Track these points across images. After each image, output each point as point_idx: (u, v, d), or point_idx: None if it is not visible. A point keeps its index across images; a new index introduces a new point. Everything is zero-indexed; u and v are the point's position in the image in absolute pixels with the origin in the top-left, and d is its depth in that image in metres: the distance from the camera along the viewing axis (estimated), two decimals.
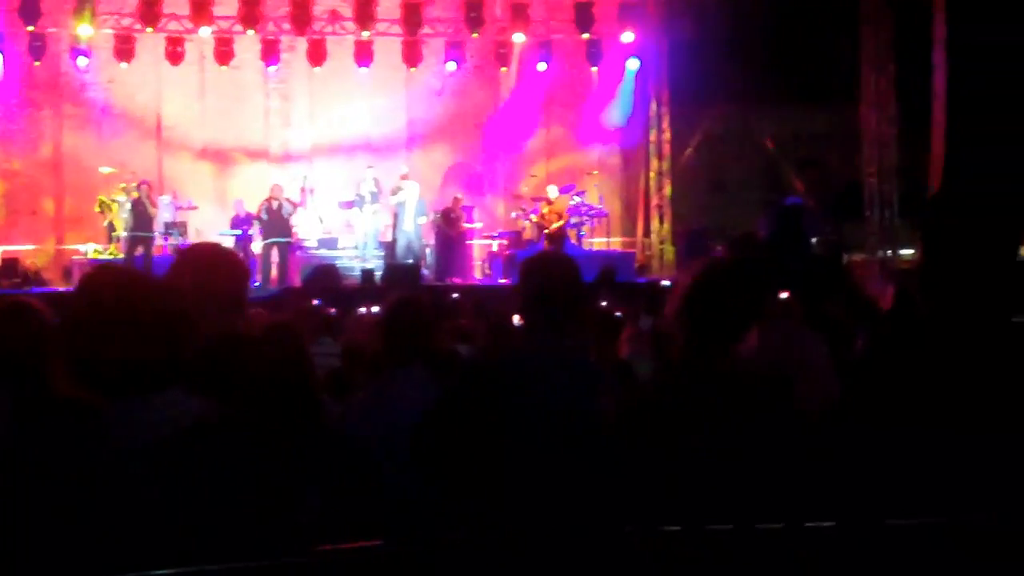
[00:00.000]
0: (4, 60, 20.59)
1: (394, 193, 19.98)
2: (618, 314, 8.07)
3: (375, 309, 9.23)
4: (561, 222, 19.43)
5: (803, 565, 2.56)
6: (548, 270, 3.86)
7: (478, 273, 21.73)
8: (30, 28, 20.04)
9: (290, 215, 19.38)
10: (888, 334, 3.87)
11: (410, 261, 19.39)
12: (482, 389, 3.68)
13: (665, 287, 15.38)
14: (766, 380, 3.26)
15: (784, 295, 6.75)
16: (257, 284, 18.59)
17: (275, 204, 19.03)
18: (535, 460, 3.40)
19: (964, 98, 19.41)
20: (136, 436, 2.35)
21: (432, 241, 20.81)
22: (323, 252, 20.53)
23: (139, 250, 18.55)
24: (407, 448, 3.85)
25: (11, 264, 20.12)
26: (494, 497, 3.40)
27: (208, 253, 3.79)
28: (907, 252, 19.99)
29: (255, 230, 19.56)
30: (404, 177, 20.16)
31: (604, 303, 10.83)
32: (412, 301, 4.57)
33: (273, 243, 19.10)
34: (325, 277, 17.56)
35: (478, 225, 21.70)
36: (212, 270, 3.50)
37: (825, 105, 23.54)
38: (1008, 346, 2.99)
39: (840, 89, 21.54)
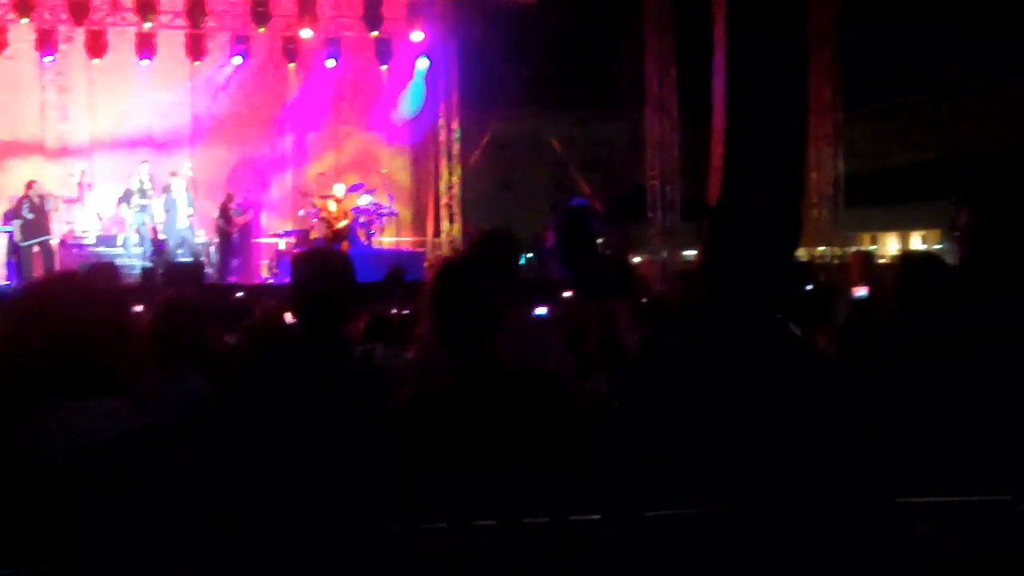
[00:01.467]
0: None
1: (165, 191, 19.48)
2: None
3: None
4: (348, 220, 19.25)
5: (566, 559, 2.56)
6: (318, 266, 3.79)
7: (265, 272, 21.34)
8: None
9: (52, 211, 18.64)
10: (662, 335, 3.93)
11: (191, 260, 18.91)
12: (246, 388, 3.58)
13: None
14: (528, 378, 3.25)
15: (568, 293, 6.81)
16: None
17: (36, 200, 18.29)
18: (292, 462, 3.32)
19: (743, 102, 20.13)
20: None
21: (215, 239, 20.37)
22: (102, 250, 19.81)
23: None
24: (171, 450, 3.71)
25: None
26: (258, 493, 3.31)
27: None
28: (689, 253, 20.57)
29: (16, 227, 18.72)
30: (173, 174, 19.66)
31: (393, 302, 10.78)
32: (180, 301, 4.43)
33: (35, 242, 18.37)
34: (103, 275, 16.97)
35: (248, 216, 21.13)
36: None
37: (611, 109, 24.07)
38: (776, 348, 3.04)
39: (626, 93, 22.03)
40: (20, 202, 18.43)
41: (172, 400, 4.10)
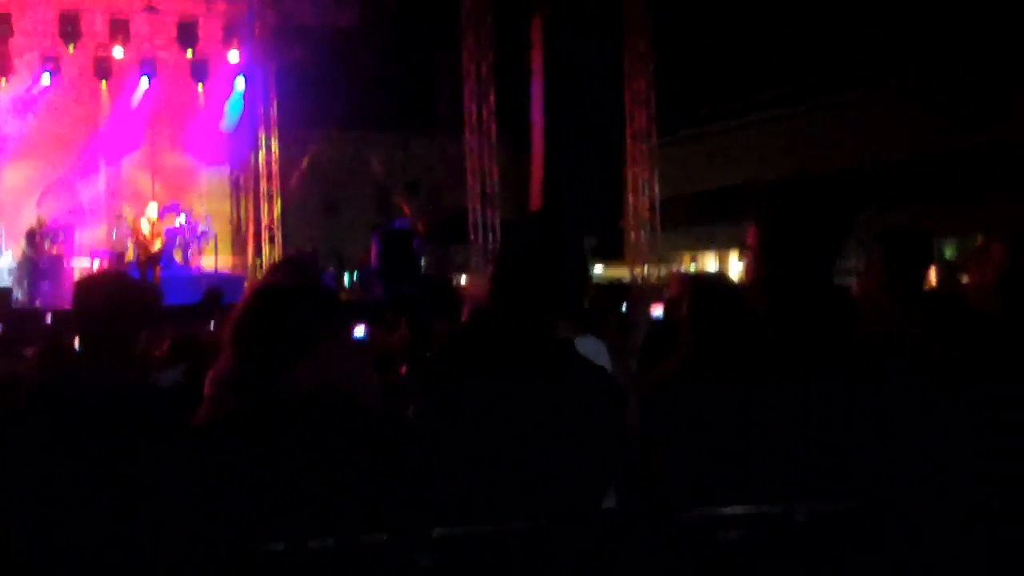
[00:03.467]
0: None
1: None
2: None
3: None
4: (163, 242, 18.84)
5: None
6: (98, 291, 3.71)
7: None
8: None
9: None
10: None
11: None
12: (23, 413, 3.49)
13: None
14: (325, 400, 3.24)
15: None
16: None
17: None
18: (68, 487, 3.24)
19: (559, 126, 20.52)
20: None
21: (21, 262, 19.68)
22: None
23: None
24: None
25: None
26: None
27: None
28: None
29: None
30: None
31: (211, 324, 10.60)
32: None
33: None
34: None
35: (59, 242, 20.52)
36: None
37: (432, 132, 24.19)
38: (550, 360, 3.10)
39: (446, 117, 22.17)
40: None
41: None
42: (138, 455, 3.28)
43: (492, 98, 20.51)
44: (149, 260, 18.48)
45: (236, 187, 23.73)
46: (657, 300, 7.07)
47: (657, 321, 6.02)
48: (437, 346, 4.27)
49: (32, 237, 19.46)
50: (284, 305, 3.19)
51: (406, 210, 22.68)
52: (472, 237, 20.90)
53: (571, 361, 3.11)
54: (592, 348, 5.34)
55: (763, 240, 3.17)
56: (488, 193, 20.80)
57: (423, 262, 20.55)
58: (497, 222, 20.68)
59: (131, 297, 3.76)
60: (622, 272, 24.01)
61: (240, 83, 22.31)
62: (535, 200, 20.95)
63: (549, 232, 3.10)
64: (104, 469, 3.33)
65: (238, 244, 23.70)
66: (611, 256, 25.11)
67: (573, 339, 3.39)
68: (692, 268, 37.10)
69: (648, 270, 22.03)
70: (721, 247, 36.14)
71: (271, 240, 22.88)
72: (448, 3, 20.66)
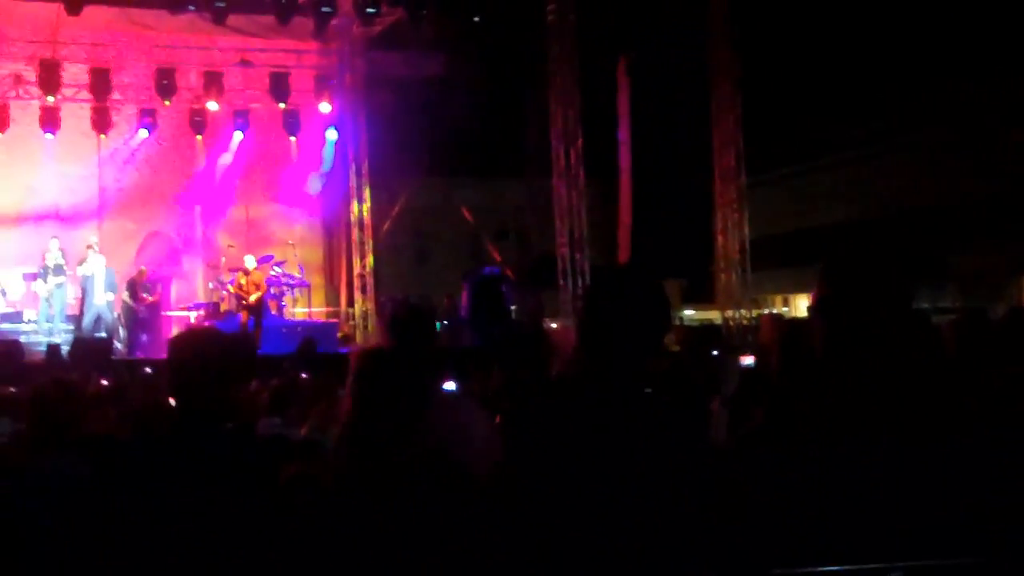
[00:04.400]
0: None
1: (80, 264, 19.22)
2: None
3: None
4: (259, 293, 19.10)
5: None
6: (191, 348, 3.76)
7: None
8: None
9: None
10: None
11: (100, 335, 18.62)
12: (120, 470, 3.55)
13: None
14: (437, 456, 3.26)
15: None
16: None
17: None
18: (165, 544, 3.29)
19: (648, 168, 20.47)
20: None
21: (121, 313, 20.10)
22: (6, 327, 19.45)
23: None
24: (52, 531, 3.67)
25: None
26: None
27: None
28: None
29: None
30: (90, 247, 19.42)
31: (304, 374, 10.69)
32: (57, 384, 4.37)
33: None
34: (5, 353, 16.65)
35: (157, 292, 20.91)
36: None
37: (521, 177, 24.26)
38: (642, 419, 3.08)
39: (534, 162, 22.25)
40: None
41: (47, 483, 4.04)
42: (234, 509, 3.32)
43: (580, 141, 20.55)
44: (246, 310, 18.74)
45: (329, 236, 24.03)
46: (746, 351, 6.97)
47: (748, 370, 5.94)
48: (528, 400, 4.27)
49: (132, 288, 19.89)
50: (398, 367, 3.21)
51: (496, 256, 22.81)
52: (562, 282, 20.88)
53: (659, 414, 3.08)
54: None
55: (826, 298, 3.15)
56: (577, 237, 20.80)
57: (513, 308, 20.60)
58: (587, 266, 20.65)
59: (224, 352, 3.81)
60: (712, 315, 23.82)
61: (331, 133, 22.64)
62: (624, 243, 20.88)
63: (630, 286, 3.09)
64: (200, 524, 3.36)
65: (331, 293, 23.96)
66: (701, 299, 24.91)
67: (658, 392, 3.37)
68: (784, 310, 36.69)
69: (739, 313, 21.84)
70: (813, 289, 35.67)
71: (363, 289, 23.10)
72: (534, 48, 20.80)
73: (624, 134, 20.60)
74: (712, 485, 3.06)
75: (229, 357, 3.90)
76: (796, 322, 5.09)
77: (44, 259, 19.69)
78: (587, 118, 20.53)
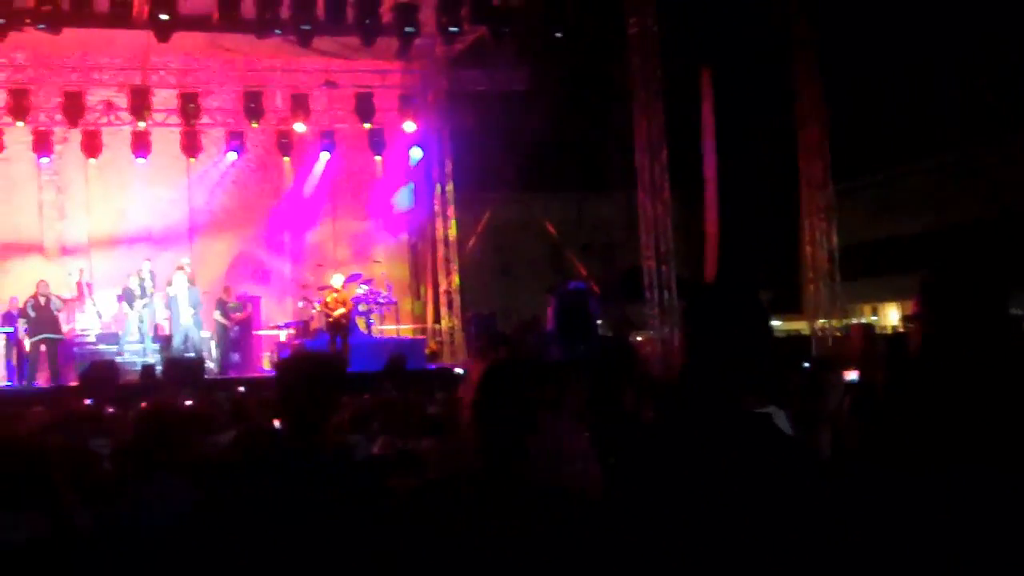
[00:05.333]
0: None
1: (168, 285, 19.58)
2: None
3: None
4: (347, 310, 19.28)
5: None
6: (302, 372, 3.81)
7: (266, 364, 21.36)
8: None
9: (59, 311, 18.70)
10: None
11: (192, 355, 18.92)
12: (230, 494, 3.59)
13: (458, 374, 15.46)
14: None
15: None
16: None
17: (42, 300, 18.36)
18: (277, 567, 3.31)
19: (733, 180, 20.33)
20: None
21: (214, 333, 20.42)
22: (103, 348, 19.84)
23: None
24: (159, 557, 3.71)
25: None
26: None
27: None
28: None
29: (22, 327, 18.77)
30: (180, 268, 19.75)
31: (394, 391, 10.77)
32: (162, 409, 4.44)
33: (42, 339, 18.39)
34: (101, 373, 16.98)
35: (247, 311, 21.18)
36: None
37: (605, 191, 24.22)
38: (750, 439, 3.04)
39: (618, 175, 22.19)
40: (27, 302, 18.52)
41: (155, 508, 4.09)
42: (347, 529, 3.34)
43: (664, 153, 20.46)
44: (335, 329, 18.92)
45: (414, 253, 24.20)
46: (848, 365, 6.85)
47: (854, 385, 5.84)
48: (634, 427, 4.25)
49: (221, 307, 20.21)
50: (516, 382, 3.21)
51: (581, 270, 22.79)
52: (648, 295, 20.79)
53: (769, 438, 3.05)
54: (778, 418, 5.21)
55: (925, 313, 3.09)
56: (663, 250, 20.69)
57: (599, 322, 20.53)
58: (673, 279, 20.54)
59: (332, 373, 3.87)
60: (799, 325, 23.55)
61: (416, 152, 22.82)
62: (710, 255, 20.74)
63: (736, 305, 3.05)
64: (314, 545, 3.38)
65: (418, 309, 24.11)
66: (788, 309, 24.64)
67: (763, 411, 3.32)
68: (873, 320, 36.21)
69: (828, 323, 21.55)
70: (902, 297, 35.16)
71: (450, 305, 23.24)
72: (617, 61, 20.77)
73: (708, 145, 20.48)
74: (822, 505, 3.02)
75: (336, 379, 3.95)
76: (900, 336, 5.02)
77: (128, 281, 20.14)
78: (671, 130, 20.42)
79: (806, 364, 10.12)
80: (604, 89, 21.90)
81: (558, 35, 19.54)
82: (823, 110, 21.08)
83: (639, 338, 21.14)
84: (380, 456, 6.23)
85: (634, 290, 21.39)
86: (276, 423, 5.42)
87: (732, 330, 2.97)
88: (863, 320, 32.34)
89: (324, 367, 3.88)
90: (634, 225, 21.43)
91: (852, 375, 6.41)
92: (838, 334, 21.17)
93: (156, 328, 20.31)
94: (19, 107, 20.05)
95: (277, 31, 18.72)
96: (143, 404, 4.58)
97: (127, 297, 20.02)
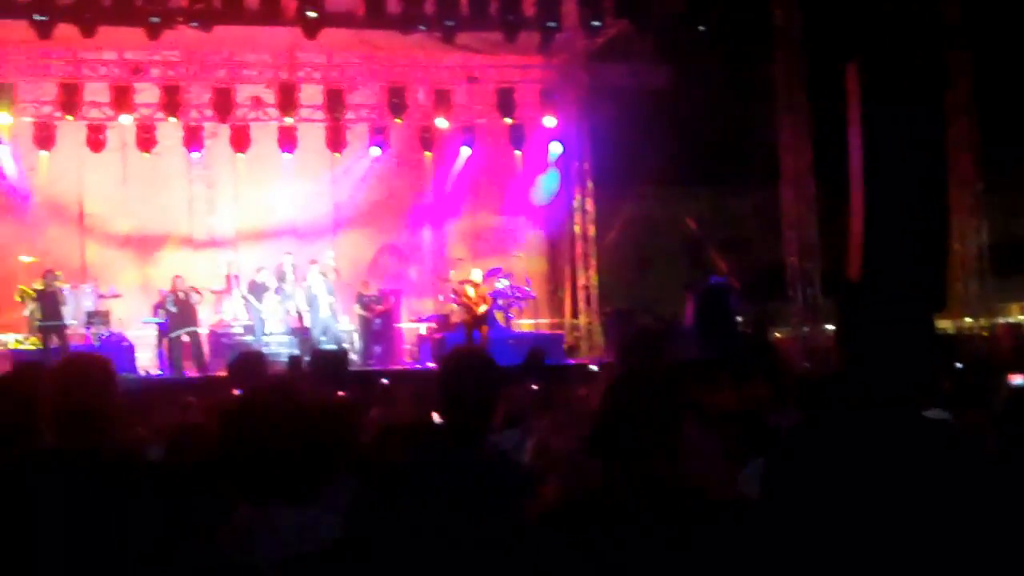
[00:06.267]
0: None
1: (303, 280, 19.95)
2: None
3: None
4: (487, 305, 19.42)
5: None
6: (461, 369, 3.84)
7: (407, 357, 21.65)
8: None
9: (197, 303, 19.20)
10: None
11: (335, 347, 19.23)
12: (406, 494, 3.64)
13: (594, 371, 15.45)
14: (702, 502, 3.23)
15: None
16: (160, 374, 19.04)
17: (180, 295, 18.89)
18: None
19: (880, 176, 19.85)
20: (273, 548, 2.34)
21: (356, 326, 20.77)
22: (250, 339, 20.32)
23: (54, 340, 18.24)
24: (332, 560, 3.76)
25: None
26: None
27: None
28: (830, 328, 20.24)
29: (163, 320, 19.35)
30: (313, 262, 20.11)
31: (534, 386, 10.78)
32: (336, 410, 4.51)
33: (181, 333, 18.93)
34: (249, 364, 17.38)
35: (388, 303, 21.44)
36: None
37: (746, 186, 23.92)
38: (913, 436, 2.98)
39: (760, 170, 21.89)
40: (165, 296, 19.07)
41: (339, 506, 4.15)
42: (505, 536, 3.36)
43: (808, 149, 20.15)
44: (475, 323, 19.08)
45: (553, 248, 24.24)
46: (1016, 370, 6.63)
47: (1019, 389, 5.65)
48: (790, 429, 4.18)
49: (361, 300, 20.53)
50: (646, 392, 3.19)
51: (722, 266, 22.53)
52: (790, 292, 20.50)
53: (935, 440, 2.98)
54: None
55: None
56: (806, 246, 20.39)
57: (739, 319, 20.30)
58: (816, 277, 20.22)
59: (499, 375, 3.90)
60: (944, 324, 22.95)
61: (555, 147, 22.84)
62: (855, 252, 20.31)
63: (900, 305, 2.99)
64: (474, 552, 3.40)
65: (555, 304, 24.15)
66: (934, 308, 24.05)
67: (938, 417, 3.25)
68: (1021, 319, 35.08)
69: (976, 322, 20.98)
70: None
71: (588, 300, 23.23)
72: (760, 56, 20.51)
73: (855, 140, 20.05)
74: (991, 509, 2.94)
75: (496, 374, 3.98)
76: None
77: (263, 275, 20.58)
78: (815, 125, 20.09)
79: (959, 365, 9.85)
80: (747, 83, 21.62)
81: (701, 28, 19.38)
82: (972, 104, 20.53)
83: (778, 335, 20.87)
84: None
85: (774, 287, 21.11)
86: (435, 417, 5.49)
87: (899, 330, 2.91)
88: (1010, 319, 31.39)
89: (492, 366, 3.91)
90: (774, 222, 21.16)
91: (1019, 379, 6.21)
92: (984, 333, 20.62)
93: (297, 320, 20.74)
94: (171, 103, 20.62)
95: (422, 27, 18.93)
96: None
97: (255, 291, 20.43)
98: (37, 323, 18.56)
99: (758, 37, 20.20)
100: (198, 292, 19.35)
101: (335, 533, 2.46)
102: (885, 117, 19.53)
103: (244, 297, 20.58)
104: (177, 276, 19.37)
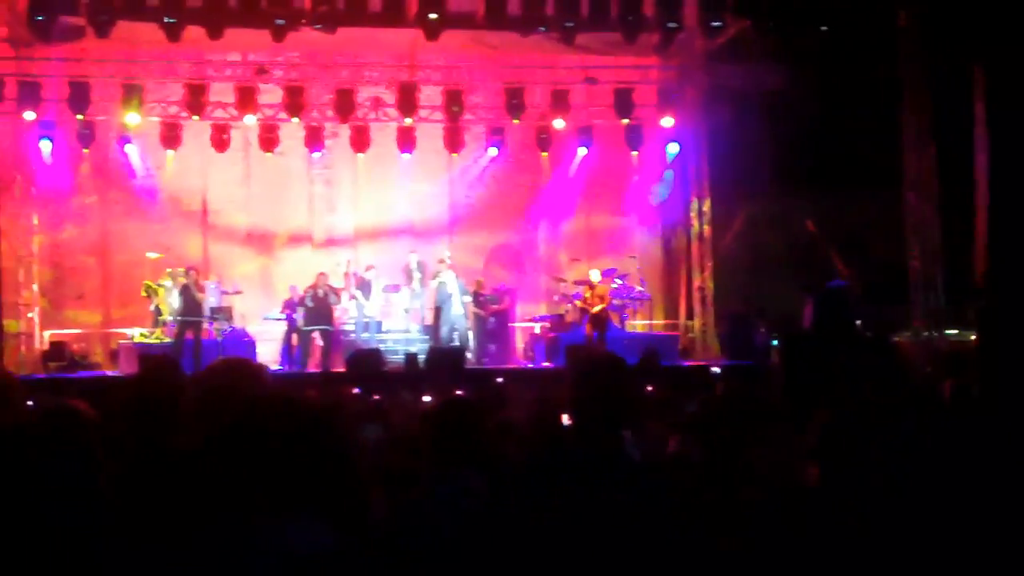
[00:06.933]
0: (53, 147, 20.98)
1: (434, 278, 20.11)
2: None
3: (426, 399, 9.21)
4: (603, 305, 19.42)
5: None
6: (600, 373, 3.85)
7: (520, 355, 21.76)
8: (79, 116, 20.46)
9: (334, 304, 19.48)
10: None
11: (453, 345, 19.41)
12: (532, 494, 3.66)
13: (714, 373, 15.38)
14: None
15: None
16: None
17: (320, 292, 19.17)
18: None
19: (1007, 177, 19.37)
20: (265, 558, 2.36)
21: (471, 325, 20.92)
22: (366, 336, 20.60)
23: (189, 335, 18.71)
24: (451, 554, 3.81)
25: (58, 348, 20.37)
26: None
27: None
28: (952, 333, 19.87)
29: (299, 315, 19.68)
30: (441, 261, 20.27)
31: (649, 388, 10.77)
32: (461, 402, 4.56)
33: (315, 329, 19.20)
34: (367, 361, 17.67)
35: (503, 303, 21.53)
36: None
37: (866, 189, 23.52)
38: None
39: (881, 173, 21.52)
40: (306, 291, 19.40)
41: (447, 500, 4.19)
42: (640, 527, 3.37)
43: (932, 150, 19.76)
44: (592, 323, 19.10)
45: (668, 249, 24.11)
46: None
47: None
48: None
49: (475, 299, 20.69)
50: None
51: (842, 269, 22.20)
52: (912, 296, 20.13)
53: None
54: None
55: None
56: (929, 250, 20.00)
57: (858, 322, 19.96)
58: (940, 280, 19.82)
59: (628, 375, 3.90)
60: None
61: (672, 148, 22.71)
62: (980, 255, 19.86)
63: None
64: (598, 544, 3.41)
65: (670, 305, 24.03)
66: None
67: None
68: None
69: None
70: None
71: (703, 301, 23.07)
72: (882, 57, 20.16)
73: (980, 142, 19.61)
74: None
75: (628, 376, 3.98)
76: None
77: (405, 272, 20.86)
78: (939, 126, 19.69)
79: None
80: (868, 85, 21.27)
81: (823, 28, 19.12)
82: None
83: (900, 340, 20.49)
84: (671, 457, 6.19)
85: (895, 290, 20.73)
86: (564, 419, 5.51)
87: None
88: None
89: (624, 368, 3.91)
90: (894, 225, 20.79)
91: None
92: None
93: (421, 318, 20.99)
94: (294, 104, 20.97)
95: (542, 28, 18.99)
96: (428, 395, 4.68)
97: (363, 288, 20.68)
98: (177, 317, 19.03)
99: (881, 36, 19.85)
100: (336, 294, 19.64)
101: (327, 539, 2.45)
102: (1012, 118, 19.06)
103: (352, 295, 20.86)
104: (321, 273, 19.73)
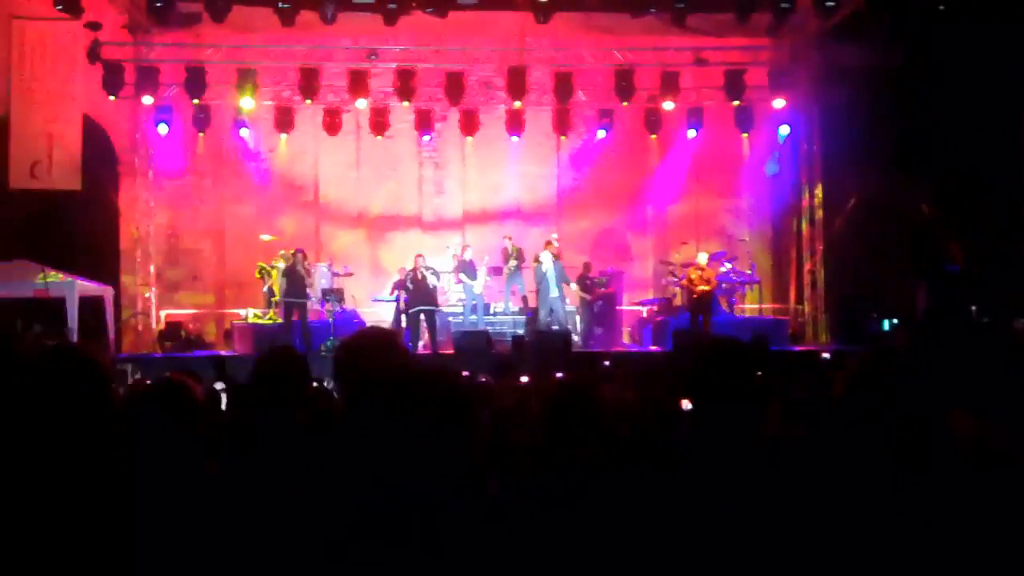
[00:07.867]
0: (170, 131, 21.43)
1: (535, 259, 20.12)
2: None
3: (524, 379, 9.22)
4: (709, 288, 19.23)
5: None
6: (722, 359, 3.81)
7: (627, 339, 21.70)
8: (195, 101, 20.87)
9: (433, 285, 19.58)
10: None
11: (556, 327, 19.40)
12: (654, 476, 3.66)
13: (825, 359, 15.16)
14: None
15: None
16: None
17: (420, 274, 19.29)
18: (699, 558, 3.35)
19: None
20: None
21: (578, 308, 20.91)
22: (473, 319, 20.71)
23: (295, 315, 18.99)
24: (566, 530, 3.82)
25: (174, 328, 20.86)
26: None
27: None
28: None
29: (403, 298, 19.82)
30: (548, 244, 20.21)
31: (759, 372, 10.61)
32: (578, 387, 4.55)
33: (420, 311, 19.34)
34: (476, 344, 17.79)
35: (609, 286, 21.46)
36: None
37: (983, 170, 22.98)
38: None
39: (1000, 154, 21.02)
40: (407, 274, 19.57)
41: (574, 478, 4.20)
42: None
43: None
44: (698, 306, 18.94)
45: (778, 232, 23.82)
46: None
47: None
48: None
49: (581, 282, 20.66)
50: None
51: (956, 253, 21.75)
52: None
53: None
54: None
55: None
56: None
57: (973, 308, 19.57)
58: None
59: (750, 360, 3.86)
60: None
61: (784, 129, 22.40)
62: None
63: None
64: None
65: (780, 289, 23.76)
66: None
67: None
68: None
69: None
70: None
71: (813, 285, 22.77)
72: (1002, 36, 19.63)
73: None
74: None
75: (751, 361, 3.93)
76: None
77: (504, 255, 20.91)
78: None
79: None
80: (987, 64, 20.74)
81: (941, 7, 18.71)
82: None
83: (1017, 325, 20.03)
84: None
85: (1011, 275, 20.26)
86: (685, 404, 5.48)
87: None
88: None
89: (746, 353, 3.87)
90: (1013, 208, 20.30)
91: None
92: None
93: (524, 300, 21.01)
94: (405, 87, 21.12)
95: (652, 9, 18.88)
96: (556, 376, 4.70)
97: (465, 270, 20.74)
98: (283, 298, 19.32)
99: (999, 14, 19.34)
100: (435, 273, 19.71)
101: None
102: None
103: (459, 278, 20.95)
104: (419, 255, 19.75)
